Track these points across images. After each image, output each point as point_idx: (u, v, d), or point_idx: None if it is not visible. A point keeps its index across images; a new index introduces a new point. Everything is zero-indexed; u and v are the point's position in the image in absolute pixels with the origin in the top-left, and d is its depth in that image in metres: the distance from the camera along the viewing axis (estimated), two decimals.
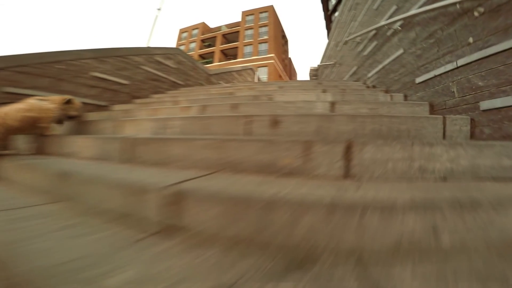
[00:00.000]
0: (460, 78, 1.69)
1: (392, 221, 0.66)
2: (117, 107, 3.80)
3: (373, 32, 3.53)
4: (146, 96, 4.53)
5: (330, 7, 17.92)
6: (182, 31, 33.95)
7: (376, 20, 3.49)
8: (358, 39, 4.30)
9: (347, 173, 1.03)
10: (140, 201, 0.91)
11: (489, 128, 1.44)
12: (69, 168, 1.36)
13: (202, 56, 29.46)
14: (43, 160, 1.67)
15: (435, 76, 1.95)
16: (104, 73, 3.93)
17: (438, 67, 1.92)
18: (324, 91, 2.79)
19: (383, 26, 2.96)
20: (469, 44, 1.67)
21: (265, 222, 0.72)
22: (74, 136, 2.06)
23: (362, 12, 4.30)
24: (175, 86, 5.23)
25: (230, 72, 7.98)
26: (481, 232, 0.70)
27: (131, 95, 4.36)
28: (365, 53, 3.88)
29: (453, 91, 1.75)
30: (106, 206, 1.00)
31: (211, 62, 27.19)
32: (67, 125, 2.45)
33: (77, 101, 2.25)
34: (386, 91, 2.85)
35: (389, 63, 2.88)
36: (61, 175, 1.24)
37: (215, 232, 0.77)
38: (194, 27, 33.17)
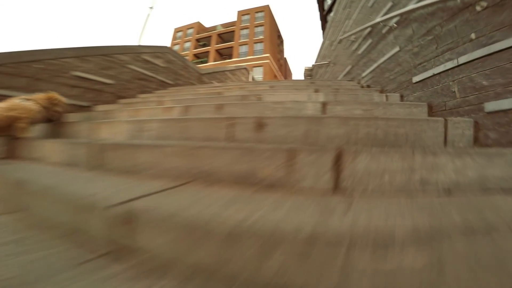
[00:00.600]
0: (462, 77, 1.56)
1: (387, 259, 0.51)
2: (100, 107, 3.62)
3: (368, 30, 3.41)
4: (132, 96, 4.34)
5: (326, 7, 17.87)
6: (177, 30, 33.64)
7: (371, 18, 3.36)
8: (352, 38, 4.18)
9: (336, 187, 0.87)
10: (88, 219, 0.77)
11: (495, 132, 1.30)
12: (28, 175, 1.23)
13: (197, 56, 29.21)
14: (8, 166, 1.53)
15: (434, 75, 1.81)
16: (87, 72, 3.75)
17: (437, 65, 1.79)
18: (316, 90, 2.64)
19: (379, 23, 2.83)
20: (471, 40, 1.54)
21: (230, 253, 0.57)
22: (43, 140, 1.89)
23: (357, 10, 4.17)
24: (164, 85, 5.04)
25: (223, 71, 7.80)
26: (500, 268, 0.55)
27: (116, 95, 4.17)
28: (360, 52, 3.75)
29: (454, 91, 1.62)
30: (59, 219, 0.88)
31: (206, 62, 26.97)
32: (43, 126, 2.28)
33: (62, 97, 2.25)
34: (381, 91, 2.72)
35: (384, 61, 2.75)
36: (19, 183, 1.13)
37: (172, 258, 0.62)
38: (189, 27, 32.90)
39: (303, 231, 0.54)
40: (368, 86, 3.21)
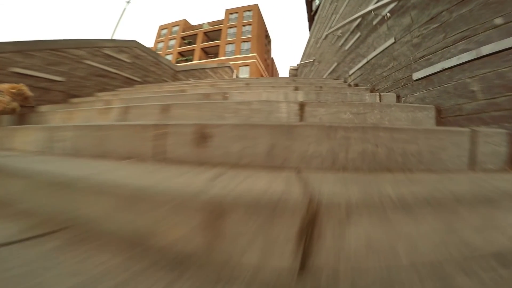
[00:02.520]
0: (486, 73, 1.15)
1: None
2: (44, 108, 3.01)
3: (357, 22, 3.01)
4: (89, 94, 3.75)
5: (314, 7, 17.61)
6: (161, 28, 32.52)
7: (360, 10, 2.96)
8: (339, 33, 3.79)
9: None
10: None
11: None
12: None
13: (181, 54, 28.31)
14: None
15: (443, 70, 1.40)
16: (30, 68, 3.14)
17: (448, 58, 1.38)
18: (296, 88, 2.19)
19: (369, 13, 2.42)
20: (496, 26, 1.13)
21: None
22: None
23: (345, 2, 3.78)
24: (129, 83, 4.44)
25: (203, 69, 7.22)
26: None
27: (68, 93, 3.56)
28: (346, 47, 3.36)
29: (474, 91, 1.20)
30: None
31: (191, 60, 26.18)
32: None
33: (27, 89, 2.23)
34: (372, 90, 2.31)
35: (376, 56, 2.34)
36: None
37: None
38: (175, 24, 31.90)
39: None
40: (356, 85, 2.81)
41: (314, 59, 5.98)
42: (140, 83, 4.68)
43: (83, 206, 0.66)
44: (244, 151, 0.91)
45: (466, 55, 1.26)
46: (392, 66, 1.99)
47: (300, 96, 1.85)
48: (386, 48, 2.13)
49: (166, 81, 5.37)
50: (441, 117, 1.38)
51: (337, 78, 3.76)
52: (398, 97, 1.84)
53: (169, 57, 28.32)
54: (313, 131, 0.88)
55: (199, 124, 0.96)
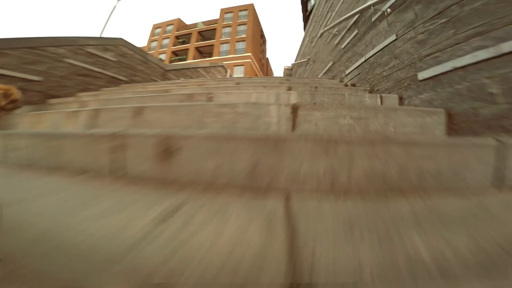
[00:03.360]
0: (508, 72, 0.98)
1: None
2: (19, 110, 2.77)
3: (354, 19, 2.85)
4: (71, 95, 3.52)
5: (310, 7, 17.48)
6: (155, 26, 32.04)
7: (357, 6, 2.80)
8: (335, 31, 3.62)
9: None
10: None
11: None
12: None
13: (175, 53, 27.93)
14: None
15: (455, 70, 1.24)
16: (3, 67, 2.90)
17: (460, 56, 1.21)
18: (289, 88, 2.00)
19: (368, 9, 2.26)
20: None
21: None
22: None
23: (341, 0, 3.62)
24: (115, 82, 4.21)
25: (195, 68, 6.98)
26: None
27: (47, 94, 3.32)
28: (343, 46, 3.19)
29: (492, 93, 1.04)
30: None
31: (185, 59, 25.83)
32: None
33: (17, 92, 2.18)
34: (371, 91, 2.15)
35: (375, 54, 2.17)
36: None
37: None
38: (169, 23, 31.46)
39: None
40: (354, 85, 2.64)
41: (308, 59, 5.82)
42: (127, 82, 4.44)
43: None
44: (220, 169, 0.72)
45: (482, 52, 1.10)
46: (394, 65, 1.82)
47: (294, 98, 1.67)
48: (386, 46, 1.96)
49: (155, 81, 5.14)
50: (453, 123, 1.21)
51: (333, 78, 3.60)
52: (401, 98, 1.67)
53: (163, 56, 27.92)
54: (307, 144, 0.70)
55: (164, 135, 0.77)
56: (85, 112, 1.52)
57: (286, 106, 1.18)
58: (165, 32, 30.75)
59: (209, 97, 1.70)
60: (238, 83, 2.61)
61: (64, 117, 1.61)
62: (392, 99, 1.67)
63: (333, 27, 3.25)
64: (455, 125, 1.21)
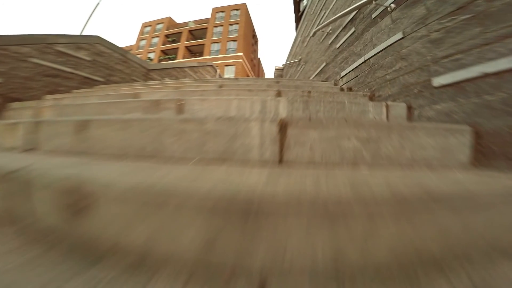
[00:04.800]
0: None
1: None
2: None
3: (350, 17, 2.60)
4: (37, 97, 3.13)
5: (302, 8, 17.26)
6: (145, 25, 31.26)
7: (354, 3, 2.54)
8: (329, 29, 3.37)
9: None
10: None
11: None
12: None
13: (164, 52, 27.29)
14: None
15: (484, 76, 0.98)
16: None
17: (492, 59, 0.95)
18: (278, 93, 1.71)
19: (367, 4, 2.00)
20: None
21: None
22: None
23: None
24: (89, 83, 3.82)
25: (181, 68, 6.60)
26: None
27: (7, 96, 2.93)
28: (338, 45, 2.94)
29: None
30: None
31: (174, 59, 25.24)
32: None
33: None
34: (371, 97, 1.89)
35: (376, 55, 1.92)
36: None
37: None
38: (159, 22, 30.75)
39: None
40: (350, 89, 2.38)
41: (300, 59, 5.57)
42: (103, 83, 4.06)
43: None
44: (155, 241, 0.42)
45: None
46: (400, 68, 1.56)
47: (283, 106, 1.38)
48: (390, 45, 1.70)
49: (136, 81, 4.77)
50: (481, 145, 0.95)
51: (326, 80, 3.34)
52: (409, 108, 1.41)
53: (152, 55, 27.22)
54: (300, 216, 0.41)
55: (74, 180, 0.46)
56: (24, 125, 1.19)
57: (272, 122, 0.89)
58: (154, 30, 30.05)
59: (179, 105, 1.39)
60: (220, 86, 2.30)
61: (2, 130, 1.27)
62: (399, 108, 1.41)
63: (327, 25, 2.98)
64: (484, 148, 0.94)
